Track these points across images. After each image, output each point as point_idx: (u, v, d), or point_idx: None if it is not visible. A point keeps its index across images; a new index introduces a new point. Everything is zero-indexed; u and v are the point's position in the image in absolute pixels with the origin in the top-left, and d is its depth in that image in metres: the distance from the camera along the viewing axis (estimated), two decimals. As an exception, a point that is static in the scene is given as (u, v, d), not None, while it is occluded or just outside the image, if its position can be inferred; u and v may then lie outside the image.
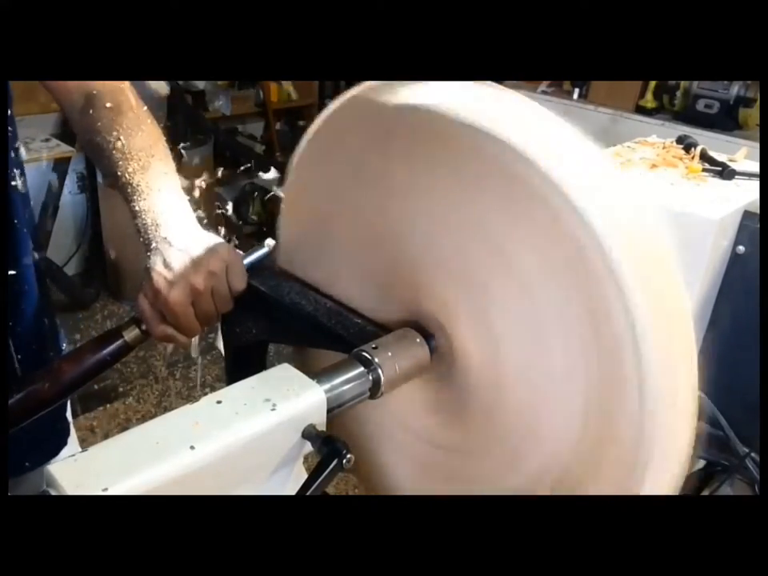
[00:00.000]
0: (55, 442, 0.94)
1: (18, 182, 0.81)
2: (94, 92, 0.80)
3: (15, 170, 0.81)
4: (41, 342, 0.89)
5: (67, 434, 0.96)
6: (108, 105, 0.78)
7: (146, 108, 0.82)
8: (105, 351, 0.72)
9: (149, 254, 0.70)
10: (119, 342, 0.73)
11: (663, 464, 0.55)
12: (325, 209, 0.73)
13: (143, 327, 0.73)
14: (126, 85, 0.82)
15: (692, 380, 0.52)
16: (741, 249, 0.88)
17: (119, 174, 0.74)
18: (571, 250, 0.53)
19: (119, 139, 0.75)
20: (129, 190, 0.73)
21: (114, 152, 0.75)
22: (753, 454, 0.88)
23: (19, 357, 0.84)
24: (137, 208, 0.72)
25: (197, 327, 0.71)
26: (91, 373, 0.72)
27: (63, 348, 0.96)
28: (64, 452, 0.95)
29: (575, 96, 2.91)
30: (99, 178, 3.03)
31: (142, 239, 0.71)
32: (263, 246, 0.77)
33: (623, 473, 0.57)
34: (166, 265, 0.69)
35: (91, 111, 0.79)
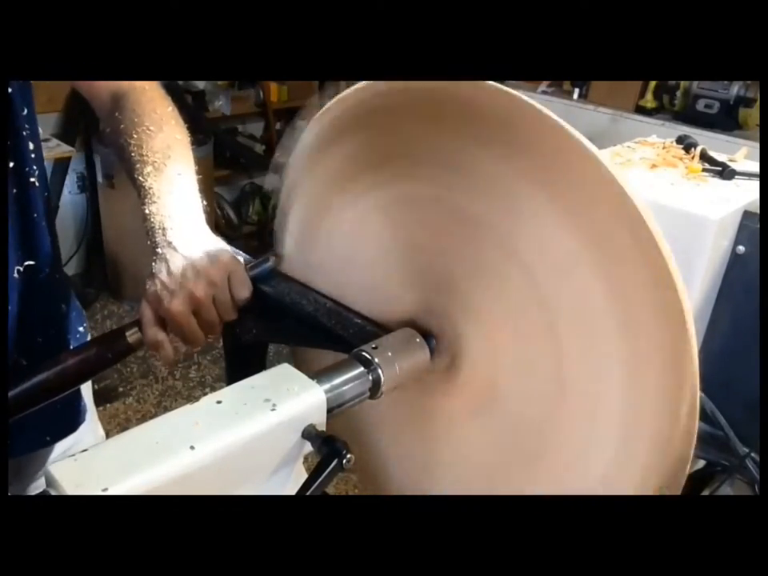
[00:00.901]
0: (74, 417, 0.96)
1: (35, 178, 0.82)
2: (121, 93, 0.81)
3: (34, 167, 0.82)
4: (59, 326, 0.92)
5: (85, 410, 0.99)
6: (132, 107, 0.79)
7: (171, 108, 0.82)
8: (107, 350, 0.73)
9: (154, 258, 0.70)
10: (122, 343, 0.73)
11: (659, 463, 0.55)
12: (330, 212, 0.73)
13: None
14: (152, 85, 0.83)
15: (693, 380, 0.52)
16: (741, 249, 0.88)
17: (135, 176, 0.74)
18: (579, 251, 0.53)
19: (138, 142, 0.76)
20: (142, 193, 0.73)
21: (132, 155, 0.75)
22: (753, 454, 0.87)
23: (39, 340, 0.87)
24: (146, 211, 0.72)
25: (200, 336, 0.70)
26: (94, 369, 0.73)
27: (81, 330, 0.98)
28: (83, 428, 0.98)
29: (575, 96, 2.90)
30: (99, 178, 3.03)
31: (149, 242, 0.71)
32: (267, 260, 0.77)
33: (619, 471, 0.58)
34: (169, 273, 0.68)
35: (117, 114, 0.80)
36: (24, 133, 0.79)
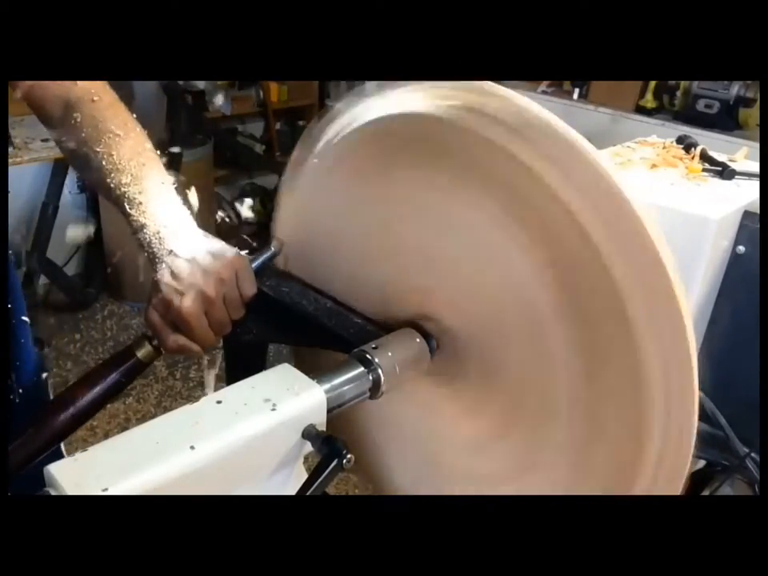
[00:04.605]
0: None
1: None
2: (74, 99, 0.76)
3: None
4: (38, 379, 0.90)
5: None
6: (91, 113, 0.75)
7: (130, 114, 0.78)
8: (118, 372, 0.70)
9: (155, 267, 0.68)
10: (132, 361, 0.71)
11: (659, 463, 0.55)
12: (329, 215, 0.73)
13: (155, 343, 0.71)
14: (104, 88, 0.77)
15: (692, 380, 0.52)
16: (741, 249, 0.89)
17: (112, 186, 0.71)
18: (570, 253, 0.54)
19: (106, 149, 0.72)
20: (125, 204, 0.70)
21: (103, 164, 0.72)
22: (753, 454, 0.88)
23: (20, 391, 0.84)
24: (136, 223, 0.70)
25: (211, 337, 0.69)
26: (107, 396, 0.70)
27: (45, 377, 0.93)
28: None
29: (575, 96, 2.90)
30: (99, 178, 3.02)
31: (146, 254, 0.69)
32: (270, 249, 0.76)
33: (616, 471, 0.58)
34: (175, 276, 0.67)
35: (73, 122, 0.75)
36: None
